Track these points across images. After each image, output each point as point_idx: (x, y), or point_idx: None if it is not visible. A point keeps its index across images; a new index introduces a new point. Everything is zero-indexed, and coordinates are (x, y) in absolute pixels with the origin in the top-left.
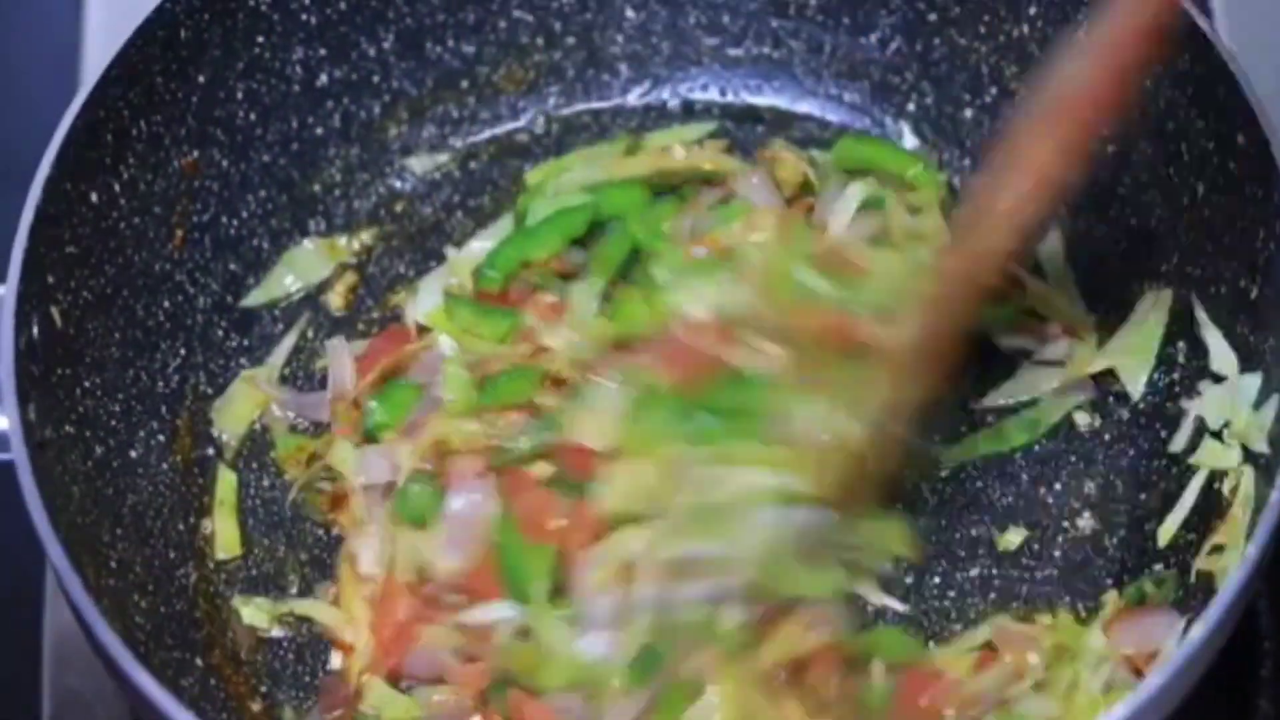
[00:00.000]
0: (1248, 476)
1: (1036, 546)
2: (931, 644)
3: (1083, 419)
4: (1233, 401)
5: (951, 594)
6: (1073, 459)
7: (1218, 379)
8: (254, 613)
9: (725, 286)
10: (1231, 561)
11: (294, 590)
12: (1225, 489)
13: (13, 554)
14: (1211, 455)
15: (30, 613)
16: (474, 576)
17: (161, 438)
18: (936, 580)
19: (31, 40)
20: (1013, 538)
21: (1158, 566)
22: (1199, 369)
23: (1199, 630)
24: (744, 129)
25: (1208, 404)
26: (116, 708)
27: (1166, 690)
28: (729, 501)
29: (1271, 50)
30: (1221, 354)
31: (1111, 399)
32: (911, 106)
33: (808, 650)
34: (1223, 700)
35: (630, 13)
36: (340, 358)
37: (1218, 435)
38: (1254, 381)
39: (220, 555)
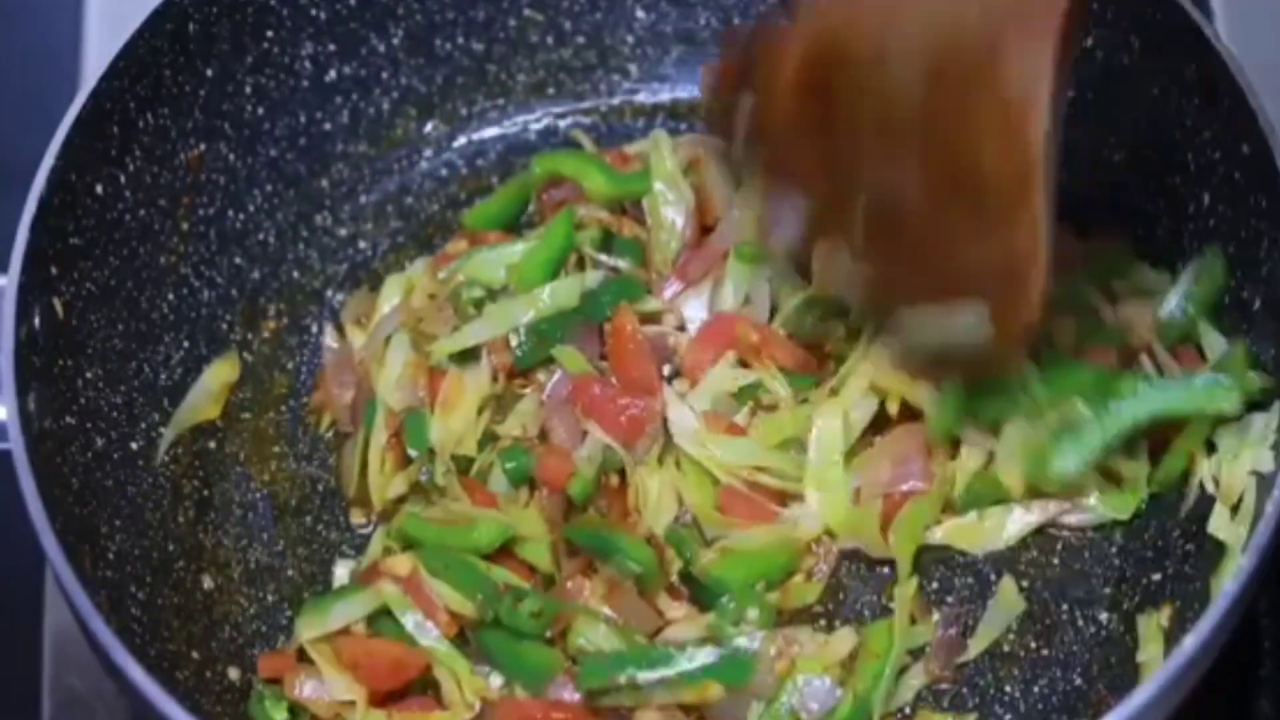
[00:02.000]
0: (1249, 488)
1: (1035, 554)
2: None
3: None
4: (1239, 443)
5: (949, 600)
6: None
7: None
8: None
9: None
10: (1228, 571)
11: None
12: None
13: (13, 553)
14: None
15: (30, 612)
16: None
17: (163, 430)
18: (935, 585)
19: (31, 40)
20: None
21: (1156, 575)
22: None
23: (1192, 640)
24: None
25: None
26: (116, 708)
27: (1162, 695)
28: None
29: (1271, 51)
30: None
31: None
32: None
33: None
34: (1223, 700)
35: (640, 13)
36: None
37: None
38: (1262, 419)
39: None
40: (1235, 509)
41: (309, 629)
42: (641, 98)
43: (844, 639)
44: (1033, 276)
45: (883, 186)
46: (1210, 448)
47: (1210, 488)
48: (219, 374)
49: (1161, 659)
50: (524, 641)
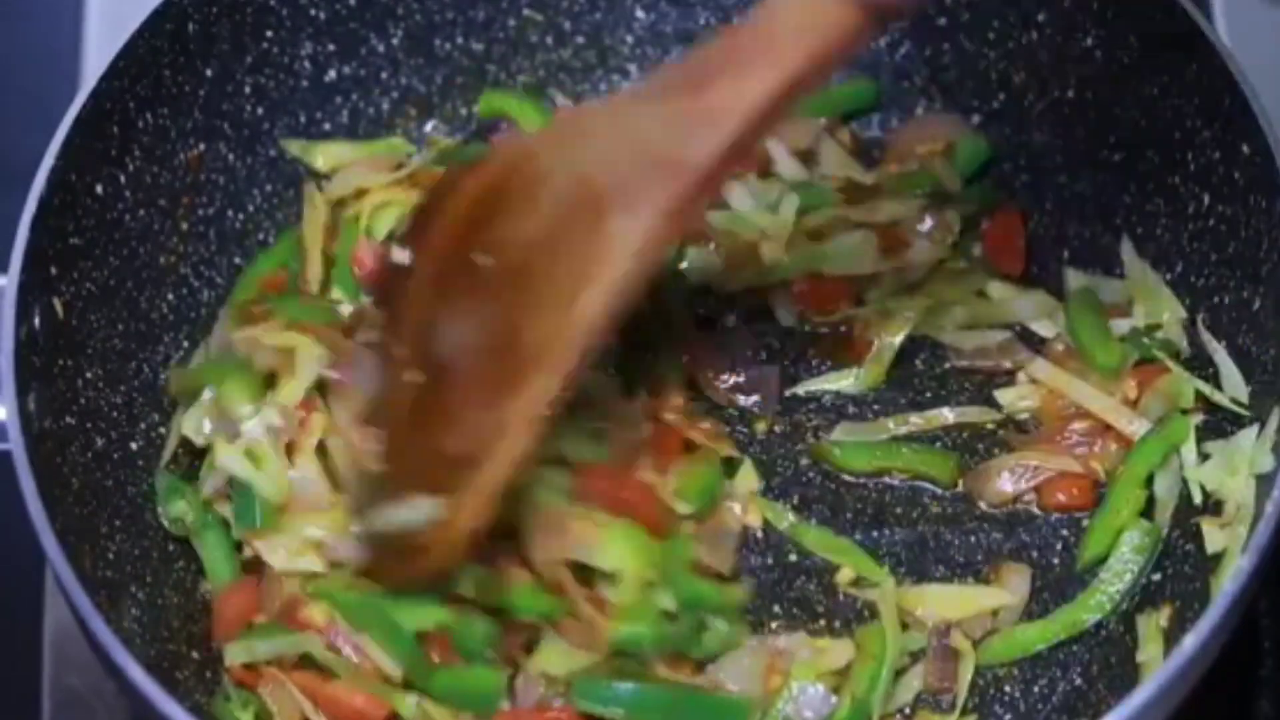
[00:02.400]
0: (1248, 488)
1: (1035, 554)
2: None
3: None
4: (1232, 459)
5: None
6: None
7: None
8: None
9: None
10: (1228, 571)
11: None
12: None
13: (13, 553)
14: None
15: (30, 612)
16: None
17: (163, 430)
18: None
19: (31, 40)
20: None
21: (1155, 575)
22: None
23: (1192, 639)
24: None
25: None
26: (116, 708)
27: (1162, 695)
28: None
29: (1271, 51)
30: (1224, 365)
31: None
32: (919, 111)
33: None
34: (1223, 700)
35: (640, 13)
36: None
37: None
38: (1250, 435)
39: None
40: (1227, 521)
41: (234, 656)
42: None
43: (840, 650)
44: (490, 477)
45: (454, 340)
46: (1203, 458)
47: (1198, 498)
48: None
49: (1161, 659)
50: (472, 665)
